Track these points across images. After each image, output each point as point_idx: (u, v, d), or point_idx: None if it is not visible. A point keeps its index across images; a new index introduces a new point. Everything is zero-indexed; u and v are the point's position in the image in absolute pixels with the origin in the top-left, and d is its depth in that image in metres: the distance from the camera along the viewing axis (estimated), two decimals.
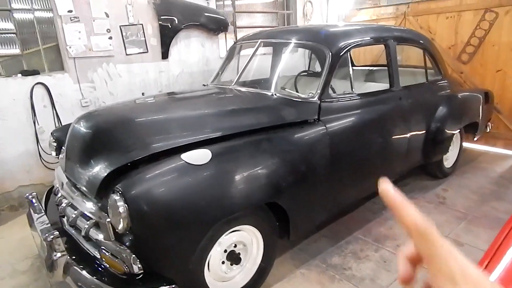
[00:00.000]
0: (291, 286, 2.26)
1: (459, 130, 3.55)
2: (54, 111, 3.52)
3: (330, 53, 2.40)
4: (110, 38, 3.71)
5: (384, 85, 3.04)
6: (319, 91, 2.36)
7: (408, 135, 2.94)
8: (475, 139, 3.97)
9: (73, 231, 2.00)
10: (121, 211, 1.53)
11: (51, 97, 3.47)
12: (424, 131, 3.16)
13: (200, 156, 1.77)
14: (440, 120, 3.21)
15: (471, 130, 3.82)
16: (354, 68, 2.66)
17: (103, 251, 1.75)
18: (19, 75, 3.35)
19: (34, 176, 3.52)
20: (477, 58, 4.42)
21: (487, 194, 3.38)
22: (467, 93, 3.68)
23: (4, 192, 3.38)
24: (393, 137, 2.80)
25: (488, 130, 4.10)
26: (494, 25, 4.19)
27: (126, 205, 1.53)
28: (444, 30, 4.62)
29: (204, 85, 4.56)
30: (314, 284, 2.26)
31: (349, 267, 2.41)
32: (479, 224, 2.88)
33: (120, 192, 1.57)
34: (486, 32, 4.27)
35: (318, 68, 4.04)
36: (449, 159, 3.70)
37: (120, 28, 3.76)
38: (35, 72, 3.41)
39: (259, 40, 2.86)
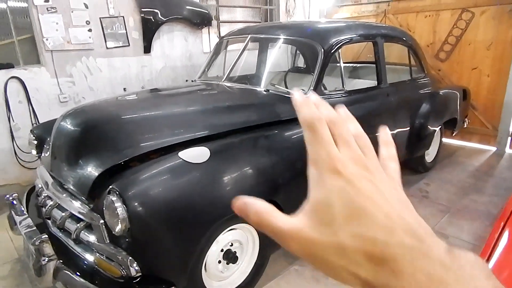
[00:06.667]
0: (286, 283, 2.26)
1: (440, 126, 3.67)
2: (30, 107, 3.33)
3: (323, 50, 2.40)
4: (90, 30, 3.55)
5: (370, 82, 3.09)
6: (312, 88, 2.35)
7: (395, 131, 3.01)
8: (454, 134, 4.11)
9: (61, 234, 1.90)
10: (119, 213, 1.47)
11: (27, 92, 3.28)
12: (408, 127, 3.24)
13: (199, 154, 1.73)
14: (424, 116, 3.31)
15: (450, 125, 3.96)
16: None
17: (97, 254, 1.67)
18: None
19: (9, 176, 3.33)
20: (454, 56, 4.58)
21: (467, 187, 3.52)
22: (447, 90, 3.80)
23: None
24: None
25: (465, 126, 4.26)
26: (470, 24, 4.35)
27: (124, 206, 1.47)
28: (423, 29, 4.75)
29: (187, 80, 4.51)
30: (309, 280, 2.27)
31: None
32: (461, 216, 2.99)
33: (117, 192, 1.50)
34: (462, 31, 4.42)
35: (301, 65, 4.06)
36: (430, 154, 3.82)
37: (100, 20, 3.60)
38: (9, 66, 3.21)
39: (249, 36, 2.81)
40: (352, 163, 0.30)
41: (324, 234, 0.28)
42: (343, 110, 0.36)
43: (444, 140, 4.14)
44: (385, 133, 0.39)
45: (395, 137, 3.04)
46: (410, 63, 3.39)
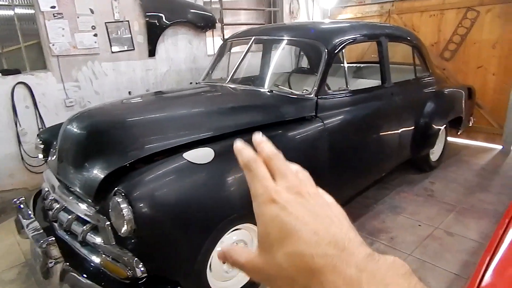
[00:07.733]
0: None
1: (445, 125, 3.65)
2: (37, 112, 3.37)
3: (326, 50, 2.41)
4: (95, 35, 3.59)
5: (375, 82, 3.08)
6: (315, 88, 2.36)
7: (399, 130, 3.00)
8: (459, 133, 4.09)
9: (67, 236, 1.92)
10: (124, 214, 1.48)
11: (34, 97, 3.33)
12: (413, 126, 3.23)
13: (203, 155, 1.74)
14: (428, 115, 3.29)
15: (455, 124, 3.93)
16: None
17: (103, 255, 1.69)
18: None
19: (16, 180, 3.37)
20: (459, 55, 4.55)
21: (473, 186, 3.49)
22: (452, 89, 3.78)
23: None
24: (386, 132, 2.84)
25: (470, 125, 4.23)
26: (475, 23, 4.32)
27: (130, 207, 1.48)
28: (428, 28, 4.73)
29: (191, 83, 4.54)
30: None
31: None
32: (467, 215, 2.96)
33: (123, 193, 1.51)
34: (467, 30, 4.39)
35: (305, 65, 4.07)
36: (435, 153, 3.80)
37: (106, 25, 3.64)
38: (16, 71, 3.25)
39: (253, 37, 2.83)
40: (286, 191, 0.34)
41: (267, 260, 0.32)
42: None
43: (449, 139, 4.11)
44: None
45: (399, 136, 3.02)
46: (415, 62, 3.37)
